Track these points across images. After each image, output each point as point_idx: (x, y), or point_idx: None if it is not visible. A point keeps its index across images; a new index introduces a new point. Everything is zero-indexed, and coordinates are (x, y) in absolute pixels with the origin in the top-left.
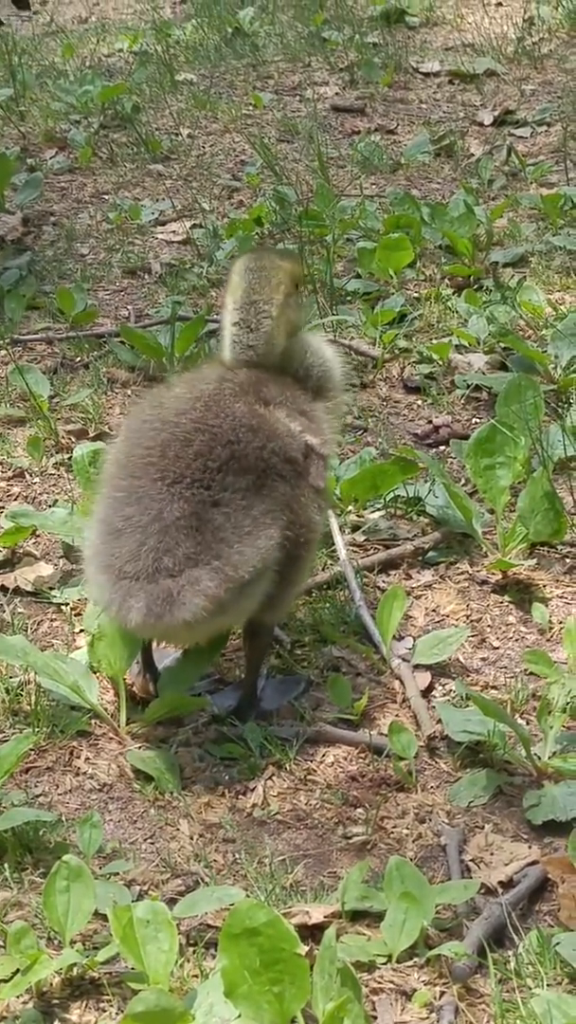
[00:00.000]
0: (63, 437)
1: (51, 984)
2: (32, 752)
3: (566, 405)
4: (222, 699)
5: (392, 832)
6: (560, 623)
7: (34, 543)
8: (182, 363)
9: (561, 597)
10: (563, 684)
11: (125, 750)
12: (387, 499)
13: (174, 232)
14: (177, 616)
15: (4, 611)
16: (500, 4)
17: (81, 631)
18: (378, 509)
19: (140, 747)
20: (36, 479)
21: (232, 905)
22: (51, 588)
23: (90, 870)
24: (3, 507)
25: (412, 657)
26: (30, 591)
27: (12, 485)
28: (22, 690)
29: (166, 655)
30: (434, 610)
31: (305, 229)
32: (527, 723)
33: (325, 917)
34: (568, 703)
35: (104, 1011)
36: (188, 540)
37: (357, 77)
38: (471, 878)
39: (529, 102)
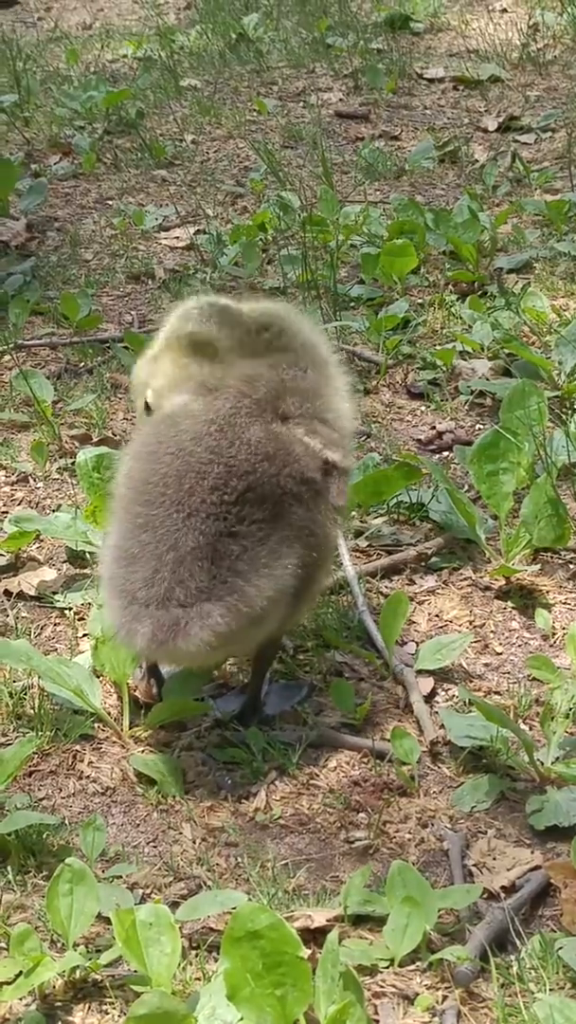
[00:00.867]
0: (67, 442)
1: (54, 986)
2: (35, 756)
3: (570, 411)
4: (225, 703)
5: (395, 837)
6: (563, 629)
7: (38, 548)
8: None
9: (564, 603)
10: (566, 690)
11: (128, 754)
12: (390, 505)
13: (178, 238)
14: (180, 646)
15: (8, 615)
16: (505, 10)
17: (85, 635)
18: (381, 515)
19: (143, 751)
20: (40, 484)
21: (235, 908)
22: (55, 593)
23: (93, 873)
24: (7, 512)
25: (415, 662)
26: (34, 595)
27: (16, 490)
28: (26, 694)
29: None
30: (437, 615)
31: (309, 235)
32: (530, 728)
33: (327, 921)
34: (571, 709)
35: (107, 1014)
36: (202, 572)
37: (361, 83)
38: (474, 883)
39: (533, 108)
